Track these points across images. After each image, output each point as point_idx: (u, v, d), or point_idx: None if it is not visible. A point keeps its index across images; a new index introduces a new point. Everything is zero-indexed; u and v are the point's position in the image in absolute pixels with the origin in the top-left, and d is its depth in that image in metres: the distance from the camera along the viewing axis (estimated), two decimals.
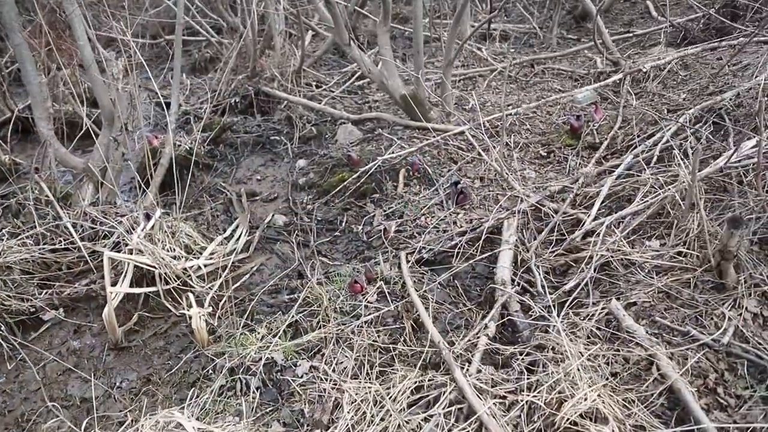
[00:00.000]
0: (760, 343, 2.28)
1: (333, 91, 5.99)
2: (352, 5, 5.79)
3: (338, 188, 3.97)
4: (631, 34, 6.84)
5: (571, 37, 7.62)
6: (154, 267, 3.17)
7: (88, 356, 3.11)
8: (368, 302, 2.89)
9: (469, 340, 2.52)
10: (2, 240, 3.49)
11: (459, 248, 3.23)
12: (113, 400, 2.81)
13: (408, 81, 5.17)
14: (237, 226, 3.87)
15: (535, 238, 3.17)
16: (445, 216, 3.51)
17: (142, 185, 3.96)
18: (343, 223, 3.80)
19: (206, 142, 4.90)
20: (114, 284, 3.14)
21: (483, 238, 3.25)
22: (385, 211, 3.73)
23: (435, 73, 5.86)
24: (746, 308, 2.38)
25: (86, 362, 3.07)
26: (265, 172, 4.69)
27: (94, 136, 3.88)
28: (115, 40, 5.71)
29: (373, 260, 3.26)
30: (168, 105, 5.89)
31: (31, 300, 3.30)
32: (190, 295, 3.11)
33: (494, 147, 3.76)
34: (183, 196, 3.72)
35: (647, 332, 2.39)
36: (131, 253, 3.21)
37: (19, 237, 3.51)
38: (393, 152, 4.04)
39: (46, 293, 3.38)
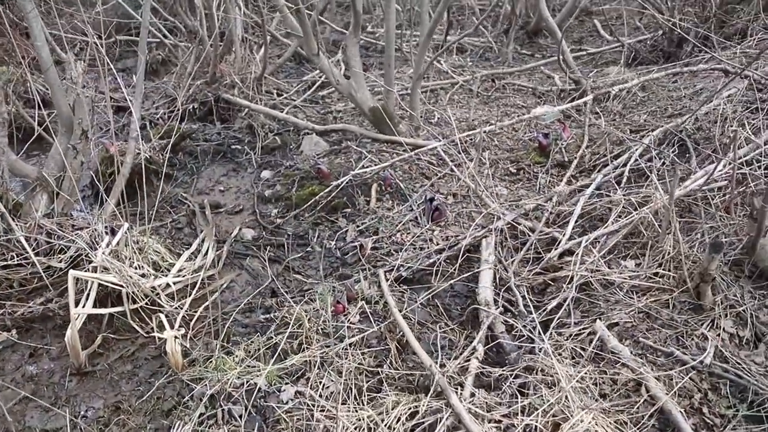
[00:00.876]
0: (738, 363, 2.37)
1: (294, 100, 5.89)
2: (315, 14, 5.72)
3: (309, 202, 3.89)
4: (584, 52, 7.07)
5: (525, 52, 7.80)
6: (122, 286, 3.00)
7: (48, 383, 2.90)
8: (351, 323, 2.84)
9: (460, 364, 2.50)
10: None
11: (437, 266, 3.22)
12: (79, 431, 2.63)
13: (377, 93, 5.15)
14: (203, 240, 3.73)
15: (512, 257, 3.20)
16: (421, 233, 3.50)
17: (104, 196, 3.74)
18: (315, 239, 3.72)
19: (165, 150, 4.70)
20: (76, 303, 2.95)
21: (461, 256, 3.25)
22: (358, 226, 3.68)
23: (396, 84, 5.86)
24: (723, 329, 2.48)
25: (45, 389, 2.87)
26: (228, 183, 4.54)
27: (54, 141, 3.65)
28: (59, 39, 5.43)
29: (352, 279, 3.20)
30: (120, 110, 5.67)
31: None
32: (162, 316, 2.96)
33: (468, 163, 3.77)
34: (153, 210, 3.55)
35: (632, 353, 2.45)
36: (95, 271, 3.02)
37: None
38: (365, 166, 4.00)
39: None
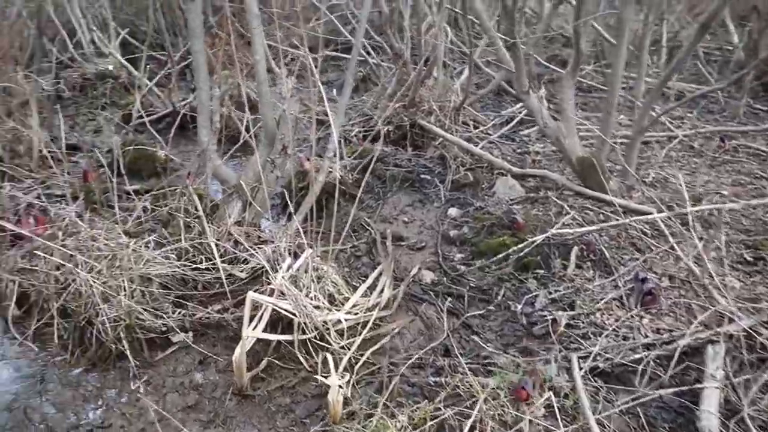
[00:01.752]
0: None
1: (490, 134, 5.58)
2: (530, 47, 5.37)
3: (498, 254, 3.53)
4: None
5: (760, 107, 6.73)
6: (294, 315, 2.89)
7: (210, 396, 2.86)
8: (533, 416, 2.43)
9: None
10: (148, 248, 3.37)
11: (644, 365, 2.68)
12: None
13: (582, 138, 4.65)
14: (380, 275, 3.54)
15: (747, 377, 2.56)
16: (627, 318, 2.97)
17: (291, 211, 3.72)
18: (499, 296, 3.35)
19: (356, 171, 4.64)
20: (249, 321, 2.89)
21: (676, 359, 2.68)
22: (551, 293, 3.24)
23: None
24: None
25: (207, 403, 2.83)
26: (412, 214, 4.34)
27: (255, 150, 3.71)
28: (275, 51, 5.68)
29: (539, 359, 2.78)
30: (318, 122, 5.77)
31: (164, 318, 3.13)
32: (329, 357, 2.79)
33: (695, 241, 3.16)
34: (339, 233, 3.42)
35: None
36: (272, 293, 2.94)
37: (164, 248, 3.39)
38: (566, 225, 3.55)
39: (179, 313, 3.21)
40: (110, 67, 6.33)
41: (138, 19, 7.23)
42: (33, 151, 4.41)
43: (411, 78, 5.35)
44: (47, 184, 4.28)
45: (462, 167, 4.82)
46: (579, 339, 2.90)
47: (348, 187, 4.41)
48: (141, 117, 4.75)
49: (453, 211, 4.24)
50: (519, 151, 5.32)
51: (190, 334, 3.18)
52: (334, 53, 7.64)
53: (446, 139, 5.08)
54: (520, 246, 3.41)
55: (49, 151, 4.18)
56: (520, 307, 3.21)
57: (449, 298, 3.39)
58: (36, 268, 3.23)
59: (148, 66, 5.91)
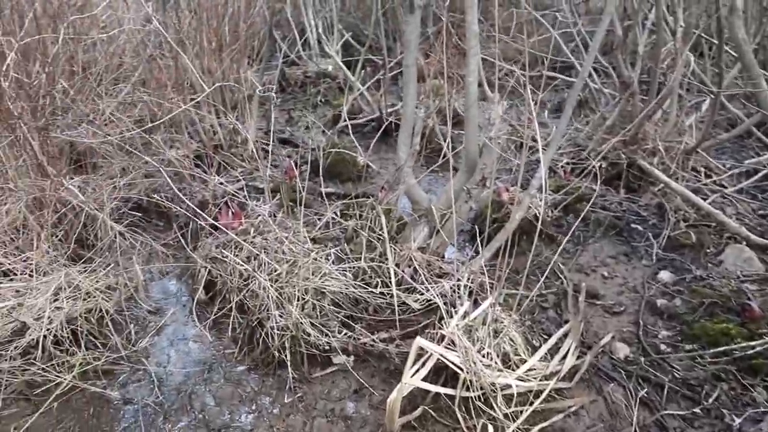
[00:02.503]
0: None
1: (724, 187, 4.71)
2: None
3: (717, 344, 2.88)
4: None
5: None
6: (461, 369, 2.59)
7: None
8: None
9: None
10: (328, 260, 3.33)
11: None
12: None
13: None
14: (565, 335, 3.09)
15: None
16: None
17: (479, 244, 3.43)
18: (711, 399, 2.72)
19: (557, 208, 4.20)
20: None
21: None
22: None
23: None
24: None
25: None
26: (614, 269, 3.79)
27: (451, 171, 3.48)
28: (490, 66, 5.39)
29: None
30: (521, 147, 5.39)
31: (329, 337, 3.05)
32: (490, 427, 2.46)
33: None
34: (531, 289, 3.06)
35: None
36: (442, 340, 2.68)
37: (342, 264, 3.31)
38: None
39: (344, 334, 3.11)
40: (330, 68, 6.58)
41: (362, 23, 7.44)
42: (248, 143, 4.67)
43: (639, 112, 4.71)
44: (253, 176, 4.51)
45: (683, 222, 4.11)
46: None
47: (545, 226, 3.99)
48: (347, 120, 4.80)
49: (665, 275, 3.60)
50: (761, 213, 4.40)
51: (351, 358, 3.06)
52: (551, 73, 7.15)
53: (668, 187, 4.37)
54: (751, 343, 2.74)
55: (261, 144, 4.40)
56: (738, 421, 2.56)
57: (644, 385, 2.84)
58: (225, 259, 3.36)
59: (363, 70, 6.02)
